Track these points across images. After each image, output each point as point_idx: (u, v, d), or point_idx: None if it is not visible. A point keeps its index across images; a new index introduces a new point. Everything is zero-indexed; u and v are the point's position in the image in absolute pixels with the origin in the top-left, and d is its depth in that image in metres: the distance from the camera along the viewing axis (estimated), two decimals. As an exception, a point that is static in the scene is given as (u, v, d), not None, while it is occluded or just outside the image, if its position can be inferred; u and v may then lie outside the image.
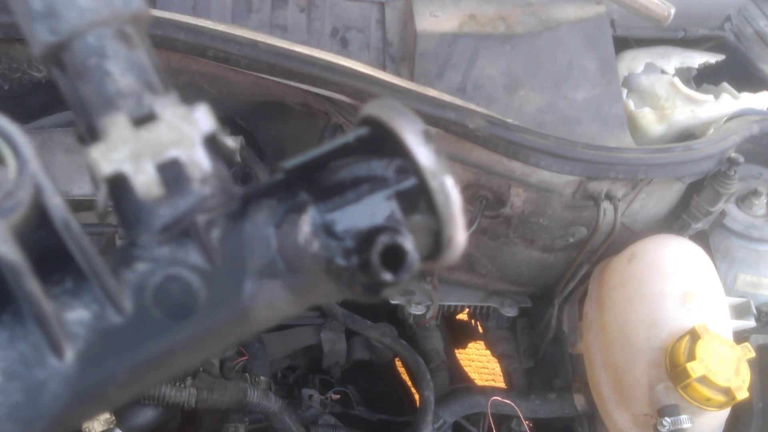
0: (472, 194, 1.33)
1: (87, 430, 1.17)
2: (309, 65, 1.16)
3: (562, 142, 1.21)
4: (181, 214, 0.44)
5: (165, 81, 0.47)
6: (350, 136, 0.47)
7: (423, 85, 1.23)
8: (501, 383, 1.86)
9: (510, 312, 1.63)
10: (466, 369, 2.07)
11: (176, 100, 0.45)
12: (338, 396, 1.69)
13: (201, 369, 1.31)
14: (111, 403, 0.46)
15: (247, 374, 1.43)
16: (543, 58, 1.32)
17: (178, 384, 1.26)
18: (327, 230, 0.44)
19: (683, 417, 1.19)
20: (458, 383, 1.75)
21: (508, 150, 1.20)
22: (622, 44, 1.53)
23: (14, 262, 0.40)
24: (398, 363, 2.09)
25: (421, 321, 1.65)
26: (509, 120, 1.20)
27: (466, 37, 1.30)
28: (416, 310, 1.58)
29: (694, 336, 1.19)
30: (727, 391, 1.16)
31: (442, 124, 1.18)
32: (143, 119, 0.44)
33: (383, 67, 1.31)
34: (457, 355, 2.06)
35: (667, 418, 1.19)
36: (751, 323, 1.36)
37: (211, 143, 0.45)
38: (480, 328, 1.87)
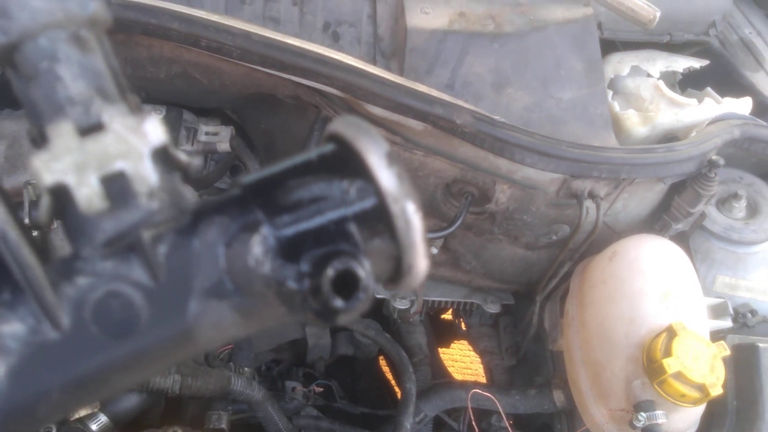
0: (458, 190, 1.35)
1: (70, 414, 1.18)
2: (300, 57, 1.18)
3: (547, 140, 1.23)
4: (126, 228, 0.43)
5: (123, 87, 0.45)
6: (312, 153, 0.46)
7: (412, 80, 1.25)
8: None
9: (493, 308, 1.65)
10: (450, 369, 2.09)
11: (126, 110, 0.44)
12: (321, 389, 1.70)
13: (186, 356, 1.31)
14: (43, 421, 0.45)
15: (231, 364, 1.44)
16: (531, 57, 1.34)
17: (162, 370, 1.27)
18: (280, 251, 0.42)
19: (659, 412, 1.22)
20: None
21: (494, 146, 1.22)
22: (609, 47, 1.56)
23: None
24: (382, 361, 2.11)
25: (405, 316, 1.67)
26: (496, 117, 1.22)
27: (455, 35, 1.32)
28: (401, 304, 1.60)
29: (671, 333, 1.21)
30: (702, 388, 1.18)
31: (430, 119, 1.20)
32: (90, 129, 0.42)
33: (374, 62, 1.33)
34: (441, 354, 2.08)
35: (642, 413, 1.21)
36: (727, 323, 1.39)
37: (162, 156, 0.44)
38: (463, 325, 1.89)
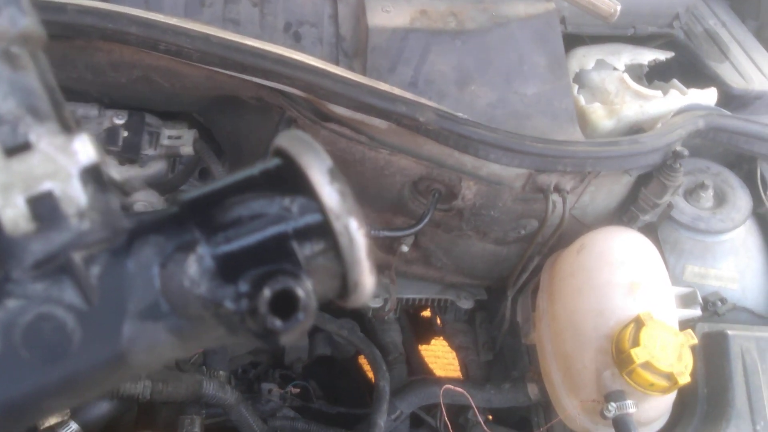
0: (425, 187, 1.35)
1: (40, 422, 1.17)
2: (260, 58, 1.17)
3: (510, 135, 1.24)
4: (55, 249, 0.42)
5: (58, 103, 0.44)
6: (255, 169, 0.45)
7: (375, 79, 1.25)
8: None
9: (466, 304, 1.65)
10: (432, 366, 2.09)
11: (58, 128, 0.43)
12: (298, 390, 1.70)
13: (156, 361, 1.31)
14: None
15: (204, 368, 1.43)
16: (493, 53, 1.35)
17: (132, 376, 1.27)
18: (217, 271, 0.42)
19: (629, 402, 1.22)
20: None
21: (458, 143, 1.23)
22: (574, 41, 1.57)
23: None
24: (362, 359, 2.11)
25: (379, 314, 1.67)
26: (459, 114, 1.22)
27: (417, 33, 1.32)
28: (374, 303, 1.60)
29: (638, 323, 1.22)
30: (670, 376, 1.19)
31: (394, 117, 1.20)
32: (17, 149, 0.41)
33: (336, 62, 1.33)
34: (423, 351, 2.09)
35: (613, 403, 1.22)
36: (697, 312, 1.40)
37: (93, 175, 0.43)
38: (440, 322, 1.89)
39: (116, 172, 0.45)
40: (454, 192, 1.33)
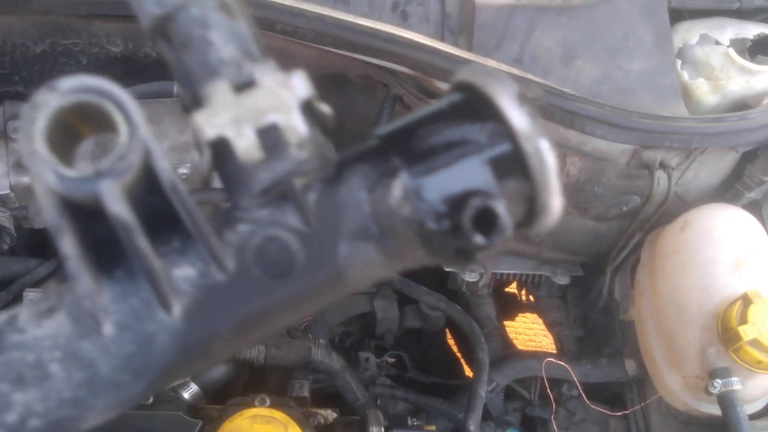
0: (527, 163, 1.36)
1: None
2: (371, 37, 1.21)
3: (617, 111, 1.24)
4: (280, 177, 0.45)
5: (263, 49, 0.48)
6: (443, 102, 0.48)
7: (481, 56, 1.27)
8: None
9: (562, 280, 1.66)
10: (514, 341, 2.11)
11: (274, 67, 0.46)
12: (393, 359, 1.75)
13: (269, 327, 1.37)
14: (214, 358, 0.48)
15: (309, 335, 1.50)
16: (599, 29, 1.35)
17: (247, 341, 1.34)
18: (419, 194, 0.44)
19: (734, 379, 1.23)
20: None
21: (564, 119, 1.24)
22: (677, 16, 1.54)
23: (127, 221, 0.42)
24: (448, 335, 2.15)
25: (473, 288, 1.70)
26: (566, 90, 1.23)
27: (523, 9, 1.33)
28: (470, 277, 1.63)
29: (746, 301, 1.22)
30: (779, 354, 1.19)
31: (501, 93, 1.22)
32: (244, 86, 0.45)
33: (442, 39, 1.35)
34: (506, 327, 2.11)
35: (718, 380, 1.23)
36: (803, 290, 1.38)
37: (308, 109, 0.46)
38: (532, 297, 1.91)
39: (326, 107, 0.48)
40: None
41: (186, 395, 1.27)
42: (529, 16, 1.33)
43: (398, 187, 0.45)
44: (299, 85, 0.45)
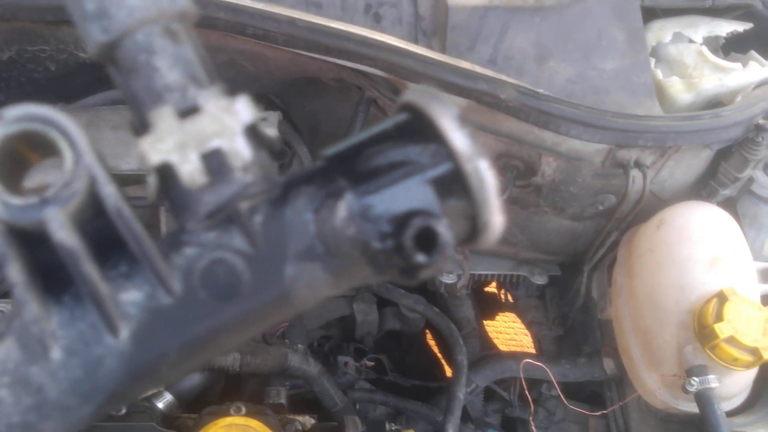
0: (503, 164, 1.36)
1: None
2: (345, 41, 1.19)
3: (591, 111, 1.24)
4: (225, 201, 0.46)
5: (210, 73, 0.49)
6: (388, 123, 0.49)
7: (454, 57, 1.26)
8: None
9: (540, 280, 1.66)
10: (495, 341, 2.11)
11: (219, 92, 0.47)
12: (372, 363, 1.74)
13: (244, 335, 1.36)
14: (162, 380, 0.48)
15: (286, 341, 1.48)
16: (572, 29, 1.34)
17: (223, 349, 1.32)
18: (363, 215, 0.45)
19: (711, 377, 1.23)
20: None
21: (539, 119, 1.23)
22: (650, 14, 1.55)
23: (72, 247, 0.43)
24: (428, 335, 2.14)
25: (452, 290, 1.69)
26: (540, 90, 1.22)
27: (496, 10, 1.32)
28: (448, 279, 1.62)
29: (721, 298, 1.22)
30: (755, 351, 1.19)
31: (475, 95, 1.22)
32: (188, 111, 0.46)
33: (415, 41, 1.34)
34: (486, 326, 2.11)
35: (695, 378, 1.23)
36: (779, 287, 1.39)
37: (252, 133, 0.47)
38: (510, 297, 1.91)
39: (271, 130, 0.49)
40: (533, 168, 1.33)
41: (160, 405, 1.25)
42: (502, 17, 1.32)
43: (343, 207, 0.46)
44: (243, 109, 0.46)
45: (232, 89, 1.49)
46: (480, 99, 1.22)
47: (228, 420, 1.09)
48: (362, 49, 1.19)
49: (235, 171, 0.46)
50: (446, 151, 0.45)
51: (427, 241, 0.43)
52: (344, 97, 1.40)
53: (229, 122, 0.46)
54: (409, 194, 0.46)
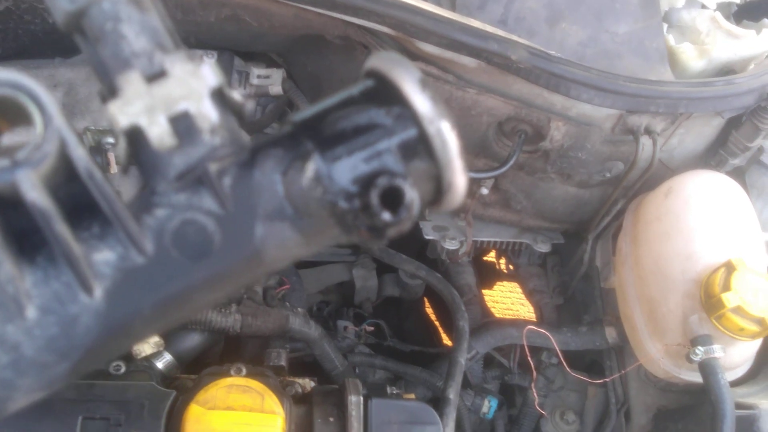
0: (511, 128, 1.33)
1: (137, 352, 1.21)
2: (352, -5, 1.16)
3: (604, 74, 1.21)
4: (194, 162, 0.47)
5: (176, 40, 0.50)
6: (354, 89, 0.50)
7: (464, 16, 1.23)
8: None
9: (543, 248, 1.65)
10: (492, 310, 2.11)
11: (185, 57, 0.48)
12: (372, 328, 1.73)
13: (245, 296, 1.35)
14: (137, 337, 0.51)
15: (287, 303, 1.47)
16: (585, -10, 1.31)
17: (223, 310, 1.30)
18: (330, 176, 0.47)
19: (716, 346, 1.22)
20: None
21: (549, 82, 1.21)
22: (664, -22, 1.51)
23: (44, 207, 0.44)
24: (426, 303, 2.14)
25: (453, 256, 1.68)
26: (552, 52, 1.19)
27: (508, -31, 1.29)
28: (450, 245, 1.60)
29: (729, 268, 1.21)
30: (761, 321, 1.18)
31: (484, 55, 1.19)
32: (155, 76, 0.47)
33: (425, -1, 1.30)
34: (484, 295, 2.10)
35: (700, 347, 1.22)
36: (785, 258, 1.38)
37: (219, 97, 0.48)
38: (511, 266, 1.89)
39: (237, 94, 0.50)
40: (541, 133, 1.31)
41: (160, 365, 1.24)
42: (514, -24, 1.28)
43: (310, 169, 0.47)
44: (209, 74, 0.47)
45: (236, 46, 1.45)
46: (490, 60, 1.19)
47: (229, 380, 1.07)
48: (370, 5, 1.16)
49: (203, 133, 0.47)
50: (410, 114, 0.47)
51: (393, 199, 0.45)
52: (348, 57, 1.37)
53: (195, 86, 0.47)
54: (374, 156, 0.47)
